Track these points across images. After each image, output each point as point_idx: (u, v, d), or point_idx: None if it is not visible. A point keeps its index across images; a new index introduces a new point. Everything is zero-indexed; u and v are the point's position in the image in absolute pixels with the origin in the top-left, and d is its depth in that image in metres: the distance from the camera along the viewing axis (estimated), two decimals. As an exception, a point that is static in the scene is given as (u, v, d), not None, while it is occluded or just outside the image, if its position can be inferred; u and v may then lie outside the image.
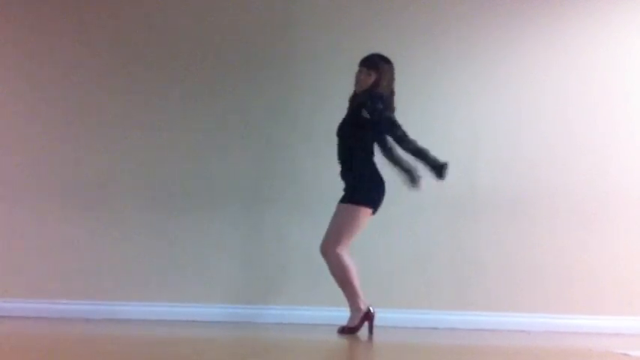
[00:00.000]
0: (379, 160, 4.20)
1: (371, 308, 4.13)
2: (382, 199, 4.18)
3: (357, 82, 4.23)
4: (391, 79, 4.22)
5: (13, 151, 4.84)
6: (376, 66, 4.20)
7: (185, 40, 4.94)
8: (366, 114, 4.10)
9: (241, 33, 4.95)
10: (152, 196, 4.81)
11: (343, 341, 3.92)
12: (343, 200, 4.15)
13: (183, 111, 4.89)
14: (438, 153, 4.83)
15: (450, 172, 4.82)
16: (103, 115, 4.88)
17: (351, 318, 4.14)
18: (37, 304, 4.65)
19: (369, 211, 4.13)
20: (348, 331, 4.10)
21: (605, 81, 4.96)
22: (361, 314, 4.12)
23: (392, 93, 4.23)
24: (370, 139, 4.18)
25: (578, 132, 4.92)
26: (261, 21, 4.96)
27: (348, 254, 4.13)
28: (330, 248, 4.12)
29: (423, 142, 4.80)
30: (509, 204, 4.83)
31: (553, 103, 4.94)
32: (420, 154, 4.13)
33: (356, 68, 4.25)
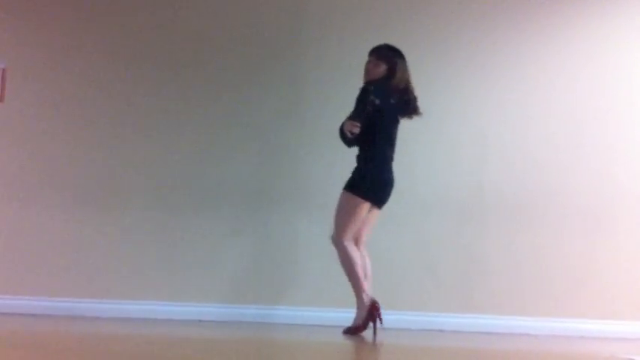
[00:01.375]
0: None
1: (376, 303, 4.07)
2: (382, 195, 4.16)
3: (365, 72, 4.19)
4: (405, 70, 4.17)
5: (14, 152, 4.84)
6: (386, 56, 4.17)
7: (192, 41, 4.94)
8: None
9: (248, 34, 4.95)
10: (159, 196, 4.81)
11: (348, 342, 3.91)
12: (344, 186, 4.15)
13: (189, 111, 4.89)
14: (445, 154, 4.86)
15: (458, 174, 4.84)
16: (109, 115, 4.87)
17: (356, 317, 4.12)
18: (40, 302, 4.66)
19: (365, 203, 4.10)
20: (354, 331, 4.08)
21: (613, 84, 4.94)
22: (365, 312, 4.07)
23: (407, 83, 4.18)
24: (371, 131, 4.09)
25: (586, 134, 4.90)
26: (269, 22, 4.96)
27: (354, 246, 4.13)
28: (337, 239, 4.12)
29: (430, 143, 4.83)
30: (517, 206, 4.81)
31: (561, 106, 4.92)
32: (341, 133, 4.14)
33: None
